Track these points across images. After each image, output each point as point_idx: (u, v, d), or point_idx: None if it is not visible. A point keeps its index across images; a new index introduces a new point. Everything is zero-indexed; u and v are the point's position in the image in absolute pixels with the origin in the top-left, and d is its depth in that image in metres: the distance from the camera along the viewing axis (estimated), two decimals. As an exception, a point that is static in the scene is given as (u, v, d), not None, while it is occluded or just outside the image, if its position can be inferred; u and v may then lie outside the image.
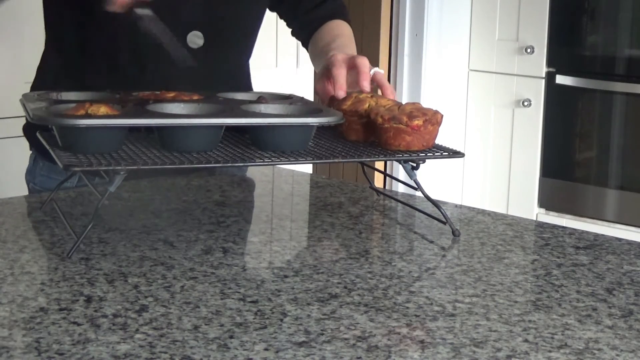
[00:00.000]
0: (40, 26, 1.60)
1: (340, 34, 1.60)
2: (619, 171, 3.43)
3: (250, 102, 1.33)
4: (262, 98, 1.37)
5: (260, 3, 1.60)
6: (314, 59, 1.59)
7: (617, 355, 0.87)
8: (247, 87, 1.64)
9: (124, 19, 1.43)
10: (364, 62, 1.38)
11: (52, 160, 1.54)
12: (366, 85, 1.36)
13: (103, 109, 1.18)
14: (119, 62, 1.50)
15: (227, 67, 1.56)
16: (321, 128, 1.36)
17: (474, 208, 1.42)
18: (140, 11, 1.18)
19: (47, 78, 1.57)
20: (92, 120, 1.14)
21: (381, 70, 1.41)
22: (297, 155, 1.21)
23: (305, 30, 1.65)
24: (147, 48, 1.47)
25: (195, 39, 1.49)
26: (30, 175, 1.60)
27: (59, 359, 0.82)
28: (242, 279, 1.06)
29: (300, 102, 1.34)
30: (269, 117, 1.25)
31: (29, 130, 1.61)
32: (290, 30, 1.70)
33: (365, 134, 1.32)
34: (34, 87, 1.58)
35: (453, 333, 0.91)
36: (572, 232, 1.30)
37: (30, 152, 1.61)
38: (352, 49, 1.56)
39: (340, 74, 1.37)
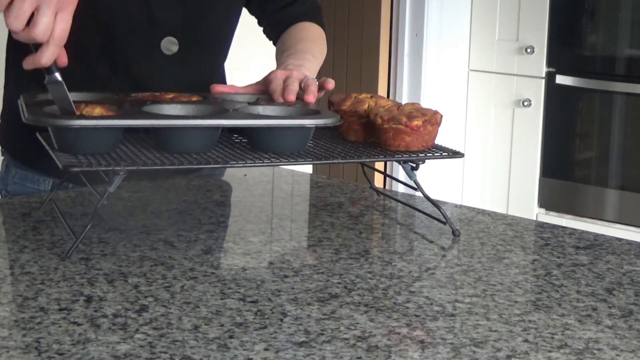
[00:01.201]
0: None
1: (303, 38, 1.58)
2: (619, 171, 3.43)
3: (249, 103, 1.33)
4: (261, 99, 1.36)
5: (234, 8, 1.59)
6: (276, 61, 1.58)
7: (617, 355, 0.87)
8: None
9: (94, 20, 1.43)
10: (293, 79, 1.37)
11: (25, 168, 1.54)
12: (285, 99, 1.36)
13: (98, 110, 1.18)
14: (89, 63, 1.48)
15: (201, 73, 1.54)
16: (320, 129, 1.35)
17: (474, 208, 1.42)
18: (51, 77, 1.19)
19: (14, 81, 1.55)
20: (85, 121, 1.14)
21: (312, 79, 1.39)
22: (296, 156, 1.21)
23: (273, 31, 1.64)
24: (118, 50, 1.46)
25: (170, 45, 1.48)
26: (2, 182, 1.57)
27: (59, 359, 0.82)
28: (242, 279, 1.06)
29: (299, 104, 1.34)
30: (265, 119, 1.24)
31: (2, 135, 1.60)
32: (262, 28, 1.69)
33: (364, 135, 1.32)
34: (5, 93, 1.56)
35: (453, 333, 0.91)
36: (572, 232, 1.30)
37: (2, 158, 1.59)
38: (313, 53, 1.54)
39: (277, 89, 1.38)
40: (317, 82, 1.38)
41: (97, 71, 1.47)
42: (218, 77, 1.62)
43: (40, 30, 1.14)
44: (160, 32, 1.47)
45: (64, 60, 1.21)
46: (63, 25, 1.16)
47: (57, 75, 1.19)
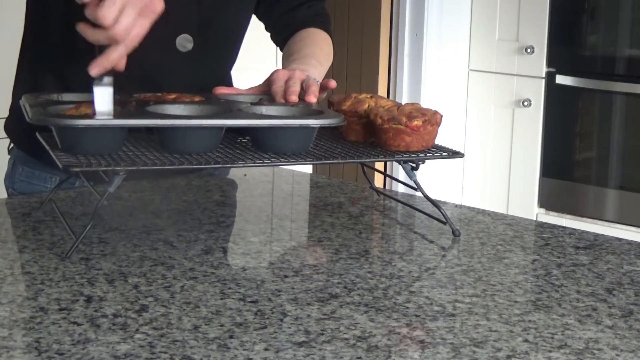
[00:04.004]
0: (15, 23, 1.58)
1: (309, 44, 1.58)
2: (619, 171, 3.43)
3: (252, 103, 1.33)
4: (263, 100, 1.36)
5: (247, 9, 1.59)
6: (282, 67, 1.58)
7: (617, 355, 0.87)
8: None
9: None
10: (294, 80, 1.37)
11: (31, 166, 1.54)
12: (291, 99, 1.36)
13: (83, 109, 1.18)
14: None
15: (214, 72, 1.55)
16: (321, 129, 1.35)
17: (474, 208, 1.42)
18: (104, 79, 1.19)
19: (27, 75, 1.56)
20: (89, 121, 1.14)
21: (313, 79, 1.39)
22: (296, 156, 1.21)
23: (280, 36, 1.63)
24: (133, 50, 1.46)
25: (185, 42, 1.47)
26: (9, 180, 1.57)
27: (59, 359, 0.82)
28: (242, 279, 1.06)
29: (302, 104, 1.34)
30: (268, 119, 1.24)
31: (10, 129, 1.60)
32: (269, 34, 1.69)
33: (364, 135, 1.32)
34: (16, 88, 1.57)
35: (453, 333, 0.91)
36: (572, 232, 1.30)
37: (9, 156, 1.59)
38: (319, 59, 1.53)
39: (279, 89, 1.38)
40: (318, 83, 1.38)
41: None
42: (228, 79, 1.63)
43: (120, 29, 1.16)
44: (176, 29, 1.47)
45: (122, 65, 1.21)
46: (138, 31, 1.18)
47: (109, 79, 1.18)
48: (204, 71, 1.52)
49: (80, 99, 1.32)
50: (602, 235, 1.28)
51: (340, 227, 1.28)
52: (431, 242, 1.24)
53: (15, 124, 1.59)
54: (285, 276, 1.06)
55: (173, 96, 1.35)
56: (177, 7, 1.46)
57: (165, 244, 1.17)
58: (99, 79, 1.18)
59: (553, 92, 3.52)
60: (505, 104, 3.63)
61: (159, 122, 1.18)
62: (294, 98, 1.33)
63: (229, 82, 1.63)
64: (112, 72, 1.18)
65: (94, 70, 1.18)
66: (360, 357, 0.84)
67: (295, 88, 1.35)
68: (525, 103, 3.56)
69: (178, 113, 1.25)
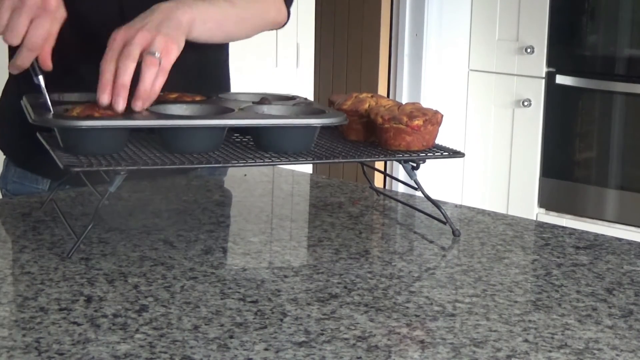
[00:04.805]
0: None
1: None
2: (619, 171, 3.43)
3: (253, 103, 1.33)
4: (265, 99, 1.36)
5: None
6: None
7: (617, 355, 0.87)
8: (224, 89, 1.60)
9: (71, 19, 1.42)
10: (127, 54, 1.17)
11: (24, 167, 1.54)
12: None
13: (78, 109, 1.18)
14: (74, 66, 1.46)
15: (193, 71, 1.49)
16: (321, 128, 1.35)
17: (474, 208, 1.42)
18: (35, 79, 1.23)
19: (11, 88, 1.54)
20: (93, 122, 1.14)
21: (153, 56, 1.19)
22: (297, 156, 1.21)
23: None
24: (97, 51, 1.44)
25: None
26: (2, 181, 1.57)
27: (59, 359, 0.82)
28: (242, 279, 1.06)
29: (304, 104, 1.34)
30: (271, 119, 1.24)
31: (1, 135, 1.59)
32: None
33: (365, 134, 1.32)
34: (2, 97, 1.56)
35: (453, 333, 0.91)
36: (572, 232, 1.30)
37: (4, 157, 1.59)
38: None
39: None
40: (159, 60, 1.18)
41: (81, 74, 1.45)
42: (217, 75, 1.59)
43: (9, 34, 1.19)
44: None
45: (46, 64, 1.24)
46: (38, 32, 1.20)
47: (39, 79, 1.22)
48: (181, 68, 1.48)
49: (80, 99, 1.32)
50: (602, 235, 1.28)
51: (340, 227, 1.28)
52: (431, 242, 1.24)
53: (5, 135, 1.58)
54: (285, 276, 1.06)
55: (174, 96, 1.35)
56: (132, 9, 1.43)
57: (165, 244, 1.17)
58: (35, 80, 1.22)
59: (553, 92, 3.52)
60: (505, 104, 3.64)
61: (160, 122, 1.18)
62: (120, 106, 1.16)
63: (218, 76, 1.59)
64: (41, 72, 1.23)
65: (10, 69, 1.23)
66: (360, 357, 0.84)
67: (125, 78, 1.16)
68: (525, 103, 3.56)
69: (179, 113, 1.25)
